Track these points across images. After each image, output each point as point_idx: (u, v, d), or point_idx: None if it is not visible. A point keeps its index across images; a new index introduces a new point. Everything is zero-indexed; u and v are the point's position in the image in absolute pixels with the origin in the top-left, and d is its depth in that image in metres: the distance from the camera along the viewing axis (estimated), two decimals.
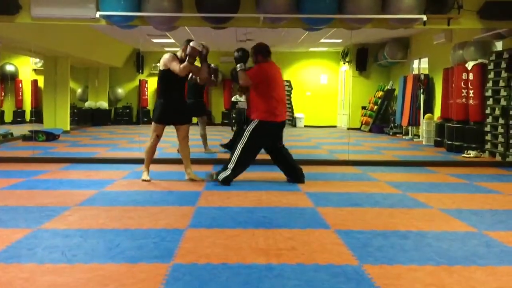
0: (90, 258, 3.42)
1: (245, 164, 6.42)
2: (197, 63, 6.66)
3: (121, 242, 3.80)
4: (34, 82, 19.00)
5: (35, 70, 19.08)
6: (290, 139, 13.88)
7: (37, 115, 18.17)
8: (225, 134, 14.04)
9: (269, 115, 6.33)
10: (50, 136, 12.04)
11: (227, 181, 6.31)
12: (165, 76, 6.42)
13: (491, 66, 9.48)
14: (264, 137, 6.44)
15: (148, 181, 6.53)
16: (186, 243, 3.79)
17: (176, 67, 6.27)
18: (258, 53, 6.52)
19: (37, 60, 18.34)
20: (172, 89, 6.49)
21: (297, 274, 3.16)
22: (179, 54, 6.48)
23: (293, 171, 6.66)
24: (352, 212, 4.95)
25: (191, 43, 6.31)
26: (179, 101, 6.61)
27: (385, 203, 5.41)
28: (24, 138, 11.98)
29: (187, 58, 6.28)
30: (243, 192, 5.89)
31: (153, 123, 6.58)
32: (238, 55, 6.61)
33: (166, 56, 6.43)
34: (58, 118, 14.66)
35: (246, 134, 6.34)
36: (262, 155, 8.36)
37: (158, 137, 6.57)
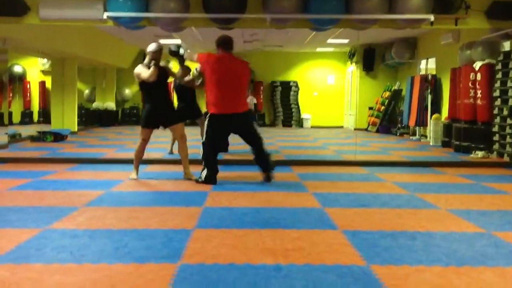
0: (98, 258, 3.43)
1: (212, 158, 6.43)
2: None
3: (128, 242, 3.81)
4: (42, 83, 19.10)
5: (42, 71, 19.18)
6: (297, 139, 13.88)
7: (45, 116, 18.25)
8: (232, 134, 14.03)
9: (216, 108, 6.28)
10: (58, 137, 12.09)
11: (208, 179, 6.36)
12: (144, 85, 6.60)
13: (498, 66, 9.44)
14: (217, 130, 6.39)
15: (135, 179, 6.70)
16: (194, 244, 3.79)
17: (145, 75, 6.45)
18: (218, 46, 6.44)
19: (45, 61, 18.44)
20: (155, 95, 6.64)
21: (305, 275, 3.16)
22: (146, 60, 6.60)
23: (261, 161, 6.55)
24: (359, 213, 4.94)
25: (149, 47, 6.47)
26: (164, 104, 6.72)
27: (393, 204, 5.40)
28: (32, 138, 12.04)
29: (150, 63, 6.45)
30: (250, 193, 5.90)
31: (140, 128, 6.76)
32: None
33: (135, 70, 6.61)
34: (65, 118, 14.74)
35: (205, 129, 6.40)
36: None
37: (144, 140, 6.75)
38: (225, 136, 6.50)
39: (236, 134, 6.60)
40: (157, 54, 6.47)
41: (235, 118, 6.36)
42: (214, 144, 6.47)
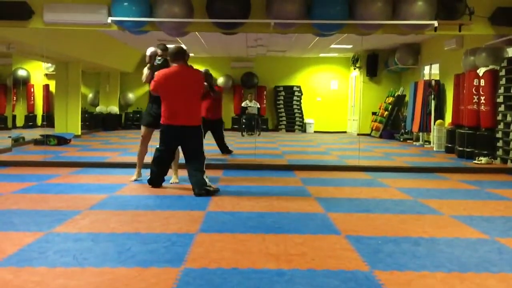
0: (101, 262, 3.43)
1: (157, 164, 6.40)
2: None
3: (132, 246, 3.81)
4: (46, 87, 19.12)
5: (46, 75, 19.20)
6: (300, 144, 13.88)
7: (49, 119, 18.28)
8: (236, 139, 14.05)
9: (165, 118, 6.18)
10: (61, 141, 12.11)
11: (149, 181, 6.50)
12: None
13: (502, 73, 9.43)
14: (166, 139, 6.28)
15: (136, 181, 6.89)
16: (197, 248, 3.79)
17: (143, 77, 6.85)
18: (170, 59, 6.30)
19: (49, 65, 18.48)
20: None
21: (308, 280, 3.15)
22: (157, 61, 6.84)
23: (192, 179, 6.17)
24: (362, 218, 4.94)
25: (148, 51, 6.80)
26: None
27: (396, 209, 5.39)
28: (36, 142, 12.06)
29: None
30: (254, 197, 5.90)
31: (142, 127, 6.92)
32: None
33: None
34: (69, 122, 14.77)
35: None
36: (271, 160, 8.37)
37: (143, 138, 6.91)
38: (172, 148, 6.36)
39: (182, 147, 6.34)
40: (150, 59, 6.81)
41: (184, 130, 6.14)
42: (164, 153, 6.31)
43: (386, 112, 16.68)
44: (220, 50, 17.04)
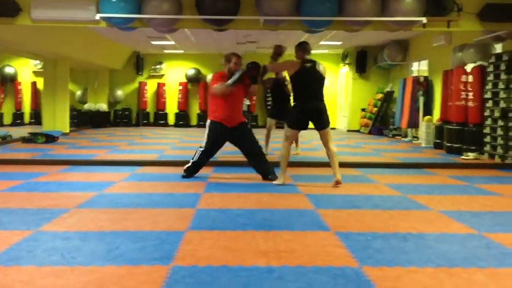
0: (89, 261, 3.42)
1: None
2: None
3: (120, 244, 3.79)
4: (34, 84, 19.02)
5: (34, 72, 19.10)
6: None
7: (36, 117, 18.20)
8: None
9: None
10: (49, 138, 12.03)
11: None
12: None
13: (490, 68, 9.49)
14: None
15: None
16: (186, 245, 3.79)
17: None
18: None
19: (37, 62, 18.36)
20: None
21: (297, 276, 3.16)
22: None
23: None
24: (352, 214, 4.95)
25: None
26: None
27: (385, 205, 5.41)
28: (24, 140, 11.98)
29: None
30: (244, 194, 5.89)
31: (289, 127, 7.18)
32: None
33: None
34: (57, 120, 14.67)
35: None
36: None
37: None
38: None
39: None
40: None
41: None
42: None
43: (375, 109, 16.73)
44: (210, 46, 17.00)
